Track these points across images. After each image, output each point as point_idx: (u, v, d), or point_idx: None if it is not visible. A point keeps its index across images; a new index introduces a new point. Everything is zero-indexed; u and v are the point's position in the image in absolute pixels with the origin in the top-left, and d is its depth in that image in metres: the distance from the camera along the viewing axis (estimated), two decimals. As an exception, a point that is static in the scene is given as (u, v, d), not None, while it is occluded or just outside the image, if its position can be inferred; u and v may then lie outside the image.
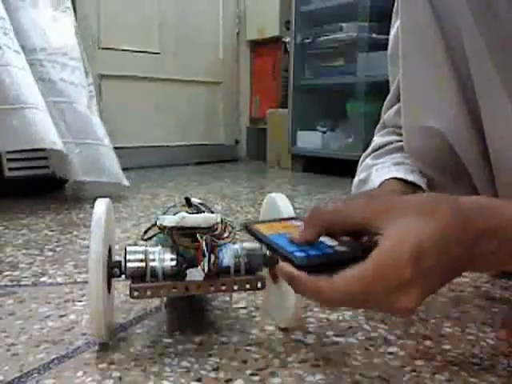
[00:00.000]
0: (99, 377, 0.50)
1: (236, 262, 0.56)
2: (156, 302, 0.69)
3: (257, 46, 2.81)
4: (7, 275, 0.82)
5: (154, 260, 0.54)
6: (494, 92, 0.50)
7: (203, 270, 0.54)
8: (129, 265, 0.54)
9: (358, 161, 0.74)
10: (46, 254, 0.94)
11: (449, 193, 0.56)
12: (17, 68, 1.30)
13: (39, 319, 0.64)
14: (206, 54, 2.69)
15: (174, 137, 2.58)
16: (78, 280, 0.80)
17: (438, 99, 0.55)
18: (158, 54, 2.49)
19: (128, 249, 0.55)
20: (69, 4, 1.55)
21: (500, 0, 0.48)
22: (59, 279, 0.80)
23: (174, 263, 0.54)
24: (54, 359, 0.54)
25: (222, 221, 0.56)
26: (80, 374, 0.51)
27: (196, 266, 0.55)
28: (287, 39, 2.43)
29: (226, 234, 0.57)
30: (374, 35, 2.02)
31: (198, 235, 0.55)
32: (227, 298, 0.71)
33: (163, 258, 0.54)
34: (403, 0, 0.57)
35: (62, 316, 0.65)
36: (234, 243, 0.58)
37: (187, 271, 0.55)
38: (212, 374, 0.51)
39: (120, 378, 0.50)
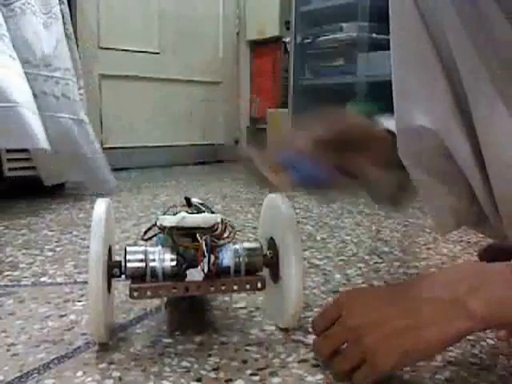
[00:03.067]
0: (99, 377, 0.50)
1: (236, 263, 0.56)
2: (156, 301, 0.69)
3: (257, 45, 2.81)
4: (7, 275, 0.82)
5: (153, 260, 0.54)
6: (485, 92, 0.50)
7: (203, 270, 0.54)
8: (129, 265, 0.54)
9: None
10: (46, 253, 0.94)
11: (441, 197, 0.57)
12: (14, 72, 1.32)
13: (39, 319, 0.64)
14: (206, 54, 2.69)
15: (173, 137, 2.58)
16: (78, 280, 0.80)
17: (429, 99, 0.55)
18: (158, 53, 2.49)
19: (128, 249, 0.55)
20: (57, 10, 1.54)
21: None
22: (59, 279, 0.80)
23: (173, 263, 0.54)
24: (53, 359, 0.54)
25: (222, 221, 0.56)
26: (80, 373, 0.51)
27: (196, 266, 0.55)
28: (287, 39, 2.43)
29: (225, 234, 0.57)
30: (374, 35, 2.02)
31: (197, 235, 0.55)
32: (227, 298, 0.71)
33: (163, 258, 0.54)
34: (390, 1, 0.57)
35: (62, 316, 0.65)
36: (234, 243, 0.58)
37: (187, 271, 0.55)
38: (212, 374, 0.51)
39: (120, 378, 0.50)
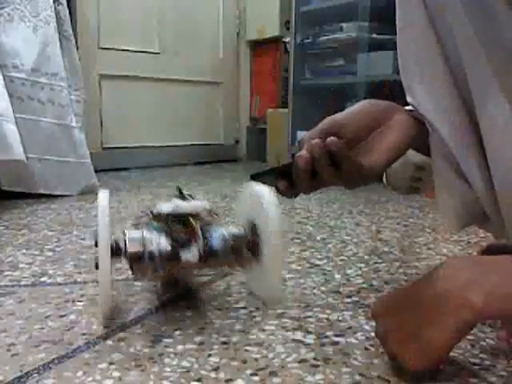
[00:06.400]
0: (99, 377, 0.50)
1: (223, 245, 0.64)
2: (156, 302, 0.69)
3: (257, 45, 2.81)
4: (7, 275, 0.82)
5: (151, 244, 0.60)
6: (490, 92, 0.50)
7: (199, 251, 0.62)
8: (130, 249, 0.60)
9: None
10: (46, 253, 0.94)
11: (458, 191, 0.57)
12: None
13: (39, 319, 0.64)
14: (206, 54, 2.69)
15: (173, 137, 2.58)
16: (78, 280, 0.80)
17: (431, 93, 0.55)
18: (158, 53, 2.49)
19: (127, 234, 0.62)
20: (47, 14, 1.54)
21: None
22: (59, 279, 0.80)
23: (169, 248, 0.61)
24: (54, 359, 0.54)
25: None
26: (80, 374, 0.51)
27: (188, 248, 0.61)
28: (287, 39, 2.43)
29: (210, 218, 0.66)
30: (374, 35, 2.02)
31: (192, 220, 0.62)
32: (228, 298, 0.71)
33: (159, 243, 0.61)
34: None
35: (62, 316, 0.65)
36: (219, 227, 0.66)
37: (181, 254, 0.61)
38: (212, 374, 0.51)
39: (120, 378, 0.50)
